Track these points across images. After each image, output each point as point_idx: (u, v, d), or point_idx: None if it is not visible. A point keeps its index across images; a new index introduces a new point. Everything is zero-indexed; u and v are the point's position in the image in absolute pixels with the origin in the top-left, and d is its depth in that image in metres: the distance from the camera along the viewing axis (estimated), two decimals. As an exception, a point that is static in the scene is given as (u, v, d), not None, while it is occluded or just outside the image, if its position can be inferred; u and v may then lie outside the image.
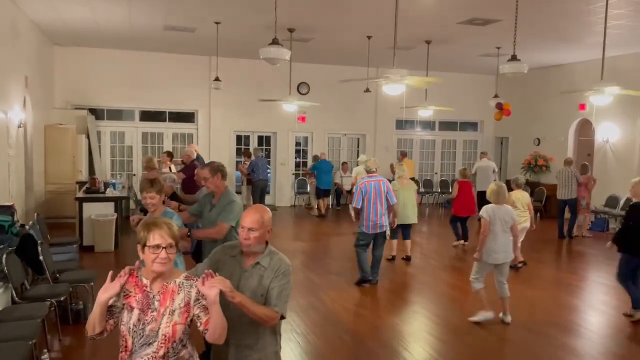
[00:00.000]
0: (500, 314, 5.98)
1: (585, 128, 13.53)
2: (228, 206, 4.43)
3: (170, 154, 11.22)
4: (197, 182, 6.46)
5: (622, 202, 11.62)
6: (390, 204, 7.31)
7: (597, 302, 7.14)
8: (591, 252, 10.15)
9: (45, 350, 4.67)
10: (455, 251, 9.78)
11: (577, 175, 10.87)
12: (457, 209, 9.77)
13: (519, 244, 8.01)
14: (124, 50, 12.87)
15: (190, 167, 9.38)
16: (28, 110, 9.73)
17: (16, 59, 8.93)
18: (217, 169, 4.54)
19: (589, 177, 11.20)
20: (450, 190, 15.20)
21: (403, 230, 8.61)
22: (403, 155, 14.04)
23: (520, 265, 8.29)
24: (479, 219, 6.23)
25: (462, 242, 9.98)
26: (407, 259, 8.73)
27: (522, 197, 8.25)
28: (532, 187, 13.20)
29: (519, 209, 7.99)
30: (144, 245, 2.35)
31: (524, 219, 8.13)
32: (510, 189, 8.12)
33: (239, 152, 14.52)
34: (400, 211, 8.13)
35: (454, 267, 8.63)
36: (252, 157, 12.93)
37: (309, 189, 14.56)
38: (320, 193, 13.57)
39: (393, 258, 8.68)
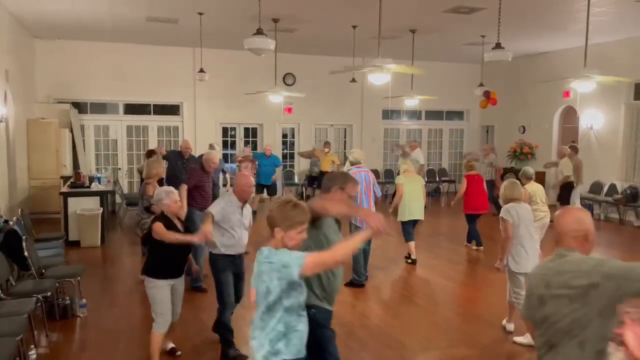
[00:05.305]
0: (504, 321, 5.43)
1: (570, 115, 13.65)
2: None
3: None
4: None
5: (606, 188, 11.78)
6: (377, 195, 7.19)
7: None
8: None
9: (33, 346, 4.62)
10: (448, 242, 9.75)
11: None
12: (468, 206, 8.83)
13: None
14: (106, 42, 12.67)
15: (192, 173, 7.05)
16: (9, 105, 9.58)
17: (-5, 53, 8.78)
18: None
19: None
20: (438, 180, 15.40)
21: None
22: (414, 146, 13.49)
23: None
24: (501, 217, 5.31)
25: (474, 246, 9.01)
26: (412, 261, 8.09)
27: (537, 189, 7.42)
28: (517, 175, 13.27)
29: (537, 204, 7.28)
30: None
31: (545, 214, 7.38)
32: (521, 184, 7.75)
33: (225, 144, 14.42)
34: (407, 206, 7.94)
35: (448, 258, 8.60)
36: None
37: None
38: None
39: (413, 261, 8.07)
